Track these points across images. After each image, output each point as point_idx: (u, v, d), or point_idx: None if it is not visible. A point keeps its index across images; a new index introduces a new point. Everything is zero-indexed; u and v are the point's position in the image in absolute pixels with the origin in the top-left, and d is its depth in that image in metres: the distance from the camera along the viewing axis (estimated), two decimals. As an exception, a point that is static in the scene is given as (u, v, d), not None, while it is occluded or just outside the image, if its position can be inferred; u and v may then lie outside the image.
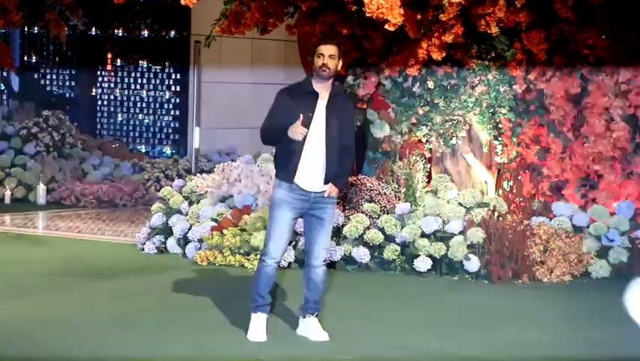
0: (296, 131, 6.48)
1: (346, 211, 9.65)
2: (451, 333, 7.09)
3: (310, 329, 6.80)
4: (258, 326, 6.72)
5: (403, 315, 7.66)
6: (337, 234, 9.47)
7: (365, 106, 10.20)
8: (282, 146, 6.69)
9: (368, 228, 9.51)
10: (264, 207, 10.02)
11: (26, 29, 17.82)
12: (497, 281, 9.01)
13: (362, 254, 9.38)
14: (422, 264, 9.24)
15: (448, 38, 9.26)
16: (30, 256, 9.87)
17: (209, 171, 12.08)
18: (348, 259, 9.44)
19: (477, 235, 9.19)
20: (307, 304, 6.85)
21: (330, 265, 9.37)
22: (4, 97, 17.20)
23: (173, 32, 17.36)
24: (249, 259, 9.47)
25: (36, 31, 17.91)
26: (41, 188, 14.24)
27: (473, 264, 9.13)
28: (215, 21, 10.18)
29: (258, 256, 9.31)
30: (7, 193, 14.20)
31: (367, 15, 8.83)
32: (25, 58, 18.24)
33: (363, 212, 9.63)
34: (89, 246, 10.69)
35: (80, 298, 7.90)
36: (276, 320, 7.13)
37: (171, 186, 10.98)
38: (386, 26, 8.89)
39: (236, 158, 12.17)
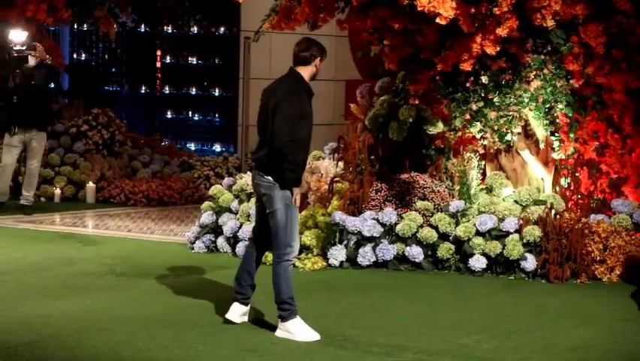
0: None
1: (399, 209, 9.62)
2: (507, 334, 7.03)
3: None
4: (307, 327, 6.76)
5: (458, 315, 7.61)
6: (390, 232, 9.45)
7: (418, 102, 10.14)
8: (299, 152, 6.83)
9: (421, 226, 9.47)
10: (315, 205, 10.02)
11: (76, 27, 17.99)
12: (555, 281, 8.92)
13: (415, 253, 9.34)
14: (477, 263, 9.18)
15: (503, 32, 9.18)
16: (79, 255, 9.97)
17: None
18: (401, 258, 9.42)
19: (533, 233, 9.10)
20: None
21: (383, 264, 9.37)
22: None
23: (222, 29, 17.43)
24: (299, 258, 9.46)
25: (85, 29, 18.07)
26: (91, 186, 14.38)
27: (530, 263, 9.05)
28: (265, 17, 10.20)
29: (309, 255, 9.38)
30: (57, 192, 14.35)
31: (419, 9, 8.81)
32: (75, 55, 18.42)
33: (416, 210, 9.59)
34: (138, 245, 10.77)
35: (130, 298, 7.96)
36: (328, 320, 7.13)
37: (221, 184, 11.02)
38: (437, 20, 8.87)
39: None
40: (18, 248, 10.31)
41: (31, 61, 12.65)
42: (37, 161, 13.00)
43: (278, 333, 6.84)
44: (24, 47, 12.93)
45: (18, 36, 13.06)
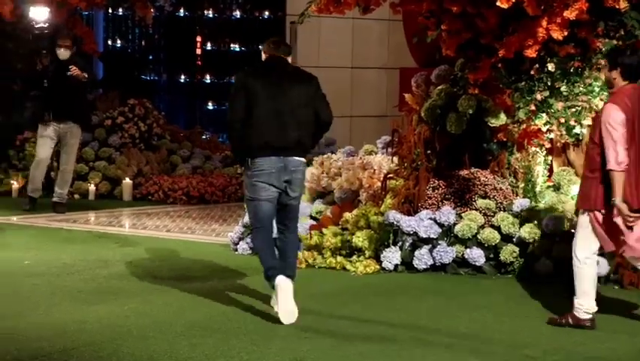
0: None
1: (458, 208, 9.59)
2: (576, 344, 6.99)
3: None
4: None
5: (523, 323, 7.58)
6: (448, 233, 9.43)
7: (478, 92, 10.10)
8: None
9: (482, 227, 9.43)
10: (367, 203, 10.02)
11: (110, 11, 18.15)
12: (629, 287, 8.83)
13: (476, 256, 9.31)
14: (543, 267, 9.13)
15: (571, 15, 9.11)
16: (115, 256, 10.05)
17: (307, 164, 12.11)
18: (461, 262, 9.39)
19: (605, 234, 9.02)
20: None
21: (441, 267, 9.35)
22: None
23: (267, 13, 17.51)
24: (350, 261, 9.48)
25: (121, 14, 18.23)
26: (127, 183, 14.49)
27: (602, 267, 8.94)
28: (312, -1, 10.20)
29: (361, 258, 9.40)
30: (91, 189, 14.49)
31: (479, -9, 8.78)
32: (110, 42, 18.59)
33: (476, 209, 9.56)
34: (178, 246, 10.84)
35: (169, 303, 8.01)
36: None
37: (266, 181, 11.05)
38: (498, 3, 8.83)
39: (337, 150, 12.22)
40: (51, 249, 10.45)
41: (64, 54, 12.74)
42: (72, 156, 13.12)
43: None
44: (46, 25, 13.03)
45: (39, 14, 13.17)
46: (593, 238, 7.40)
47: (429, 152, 10.25)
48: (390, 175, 10.22)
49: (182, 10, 18.11)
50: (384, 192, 10.10)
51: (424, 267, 9.36)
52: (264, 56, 7.84)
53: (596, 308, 7.45)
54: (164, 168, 15.32)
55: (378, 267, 9.42)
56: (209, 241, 11.27)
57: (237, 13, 17.92)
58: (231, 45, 18.05)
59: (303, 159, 7.66)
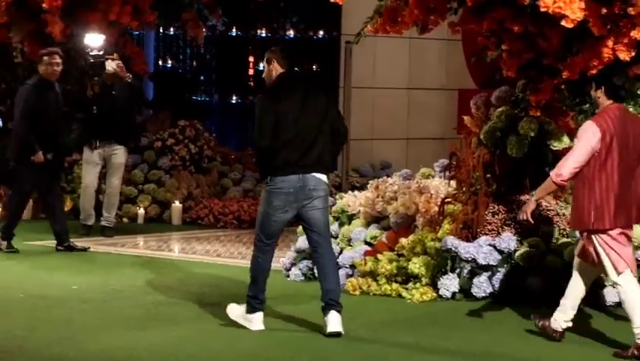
0: None
1: (518, 235, 9.48)
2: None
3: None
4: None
5: (587, 354, 7.50)
6: (508, 260, 9.32)
7: (540, 114, 10.00)
8: None
9: (544, 254, 9.30)
10: (423, 228, 9.95)
11: (161, 31, 18.26)
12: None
13: (538, 284, 9.18)
14: (608, 296, 9.01)
15: (639, 35, 9.00)
16: (165, 282, 10.09)
17: (362, 188, 12.09)
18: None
19: (673, 263, 8.86)
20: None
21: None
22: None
23: (321, 32, 17.49)
24: (406, 288, 9.42)
25: (172, 33, 18.33)
26: (177, 206, 14.51)
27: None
28: (367, 19, 10.18)
29: (417, 285, 9.32)
30: (140, 212, 14.53)
31: (542, 10, 8.69)
32: (160, 62, 18.70)
33: (538, 235, 9.44)
34: (228, 271, 10.83)
35: (219, 330, 8.01)
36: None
37: (319, 205, 11.01)
38: (563, 23, 8.73)
39: (392, 173, 12.17)
40: (98, 274, 10.51)
41: (111, 65, 12.78)
42: (118, 178, 13.17)
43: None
44: (101, 52, 13.12)
45: (94, 41, 13.26)
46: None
47: (488, 176, 10.15)
48: (448, 200, 10.14)
49: (234, 30, 18.16)
50: (442, 217, 10.01)
51: (483, 295, 9.27)
52: (276, 71, 7.92)
53: None
54: (215, 191, 15.34)
55: (435, 294, 9.35)
56: (261, 266, 11.21)
57: (291, 33, 17.93)
58: (284, 65, 18.07)
59: (323, 177, 7.83)
